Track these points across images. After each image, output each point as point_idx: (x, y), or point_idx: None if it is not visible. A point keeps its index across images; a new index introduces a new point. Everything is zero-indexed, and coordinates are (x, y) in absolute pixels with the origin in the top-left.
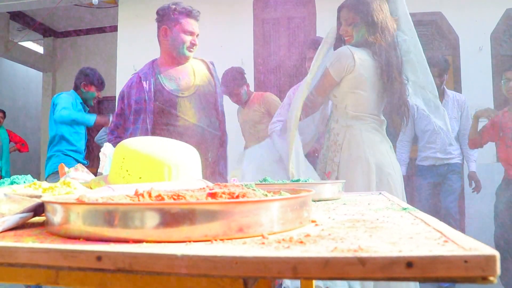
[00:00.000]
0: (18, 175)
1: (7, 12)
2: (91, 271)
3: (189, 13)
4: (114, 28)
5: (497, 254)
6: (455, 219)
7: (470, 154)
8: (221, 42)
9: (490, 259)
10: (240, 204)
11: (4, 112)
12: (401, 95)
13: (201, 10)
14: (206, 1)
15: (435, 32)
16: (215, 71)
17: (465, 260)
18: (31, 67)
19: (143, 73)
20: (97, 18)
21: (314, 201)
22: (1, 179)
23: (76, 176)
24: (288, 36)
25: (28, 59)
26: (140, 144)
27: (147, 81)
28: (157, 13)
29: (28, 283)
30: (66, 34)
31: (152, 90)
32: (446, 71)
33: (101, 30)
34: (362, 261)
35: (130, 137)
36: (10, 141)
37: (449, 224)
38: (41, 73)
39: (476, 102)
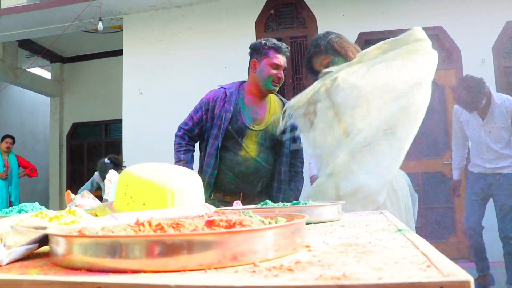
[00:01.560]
0: (26, 203)
1: (16, 40)
2: None
3: (278, 49)
4: (119, 53)
5: (471, 279)
6: None
7: None
8: (225, 64)
9: (464, 284)
10: (233, 234)
11: (13, 138)
12: None
13: (204, 34)
14: (209, 24)
15: (436, 46)
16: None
17: (441, 286)
18: (39, 93)
19: (229, 92)
20: (103, 43)
21: (314, 223)
22: (10, 206)
23: (82, 203)
24: (290, 55)
25: (36, 85)
26: (143, 171)
27: (230, 102)
28: (250, 47)
29: None
30: (73, 59)
31: (231, 111)
32: (477, 90)
33: (106, 54)
34: None
35: (207, 147)
36: (19, 166)
37: (508, 245)
38: (49, 98)
39: None
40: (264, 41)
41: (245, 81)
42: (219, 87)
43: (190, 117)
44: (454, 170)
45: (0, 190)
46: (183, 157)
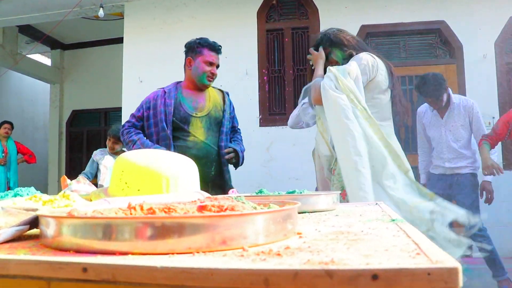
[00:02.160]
0: (21, 187)
1: (16, 25)
2: (78, 282)
3: (211, 47)
4: (120, 40)
5: (459, 266)
6: (481, 235)
7: None
8: (226, 54)
9: (452, 271)
10: (223, 218)
11: (11, 124)
12: (400, 92)
13: (206, 23)
14: (210, 13)
15: (439, 41)
16: (229, 100)
17: (428, 273)
18: (38, 79)
19: (168, 89)
20: (103, 31)
21: (309, 212)
22: (8, 191)
23: (78, 189)
24: (292, 46)
25: (36, 71)
26: (138, 157)
27: (170, 97)
28: (185, 46)
29: None
30: (73, 46)
31: (173, 105)
32: (434, 88)
33: (107, 42)
34: (329, 274)
35: (156, 142)
36: (18, 152)
37: (478, 242)
38: (49, 84)
39: (481, 110)
40: (198, 40)
41: (181, 81)
42: (158, 89)
43: (132, 116)
44: (421, 174)
45: None
46: (137, 137)
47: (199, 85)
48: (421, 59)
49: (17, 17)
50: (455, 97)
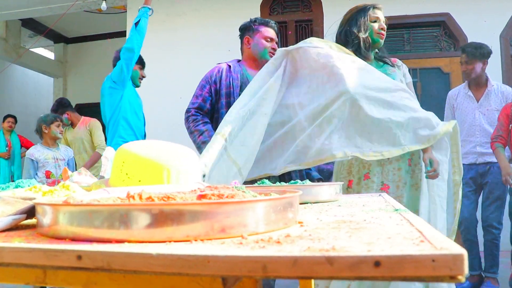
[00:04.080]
0: (23, 179)
1: (19, 19)
2: (73, 270)
3: (267, 23)
4: (123, 34)
5: (464, 253)
6: (497, 228)
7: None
8: (229, 46)
9: (457, 258)
10: (222, 205)
11: (15, 118)
12: None
13: (209, 16)
14: (213, 6)
15: (443, 33)
16: None
17: (433, 259)
18: (42, 73)
19: (232, 64)
20: (106, 24)
21: (311, 203)
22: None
23: (79, 180)
24: (295, 39)
25: (39, 65)
26: (139, 148)
27: (236, 72)
28: (240, 29)
29: (17, 283)
30: (77, 40)
31: (239, 79)
32: (476, 57)
33: (110, 35)
34: (330, 261)
35: (220, 118)
36: (21, 146)
37: (490, 233)
38: (52, 78)
39: None
40: (252, 19)
41: (240, 60)
42: (218, 63)
43: (197, 95)
44: None
45: (3, 169)
46: (204, 128)
47: (261, 62)
48: (426, 52)
49: (20, 10)
50: (493, 82)
